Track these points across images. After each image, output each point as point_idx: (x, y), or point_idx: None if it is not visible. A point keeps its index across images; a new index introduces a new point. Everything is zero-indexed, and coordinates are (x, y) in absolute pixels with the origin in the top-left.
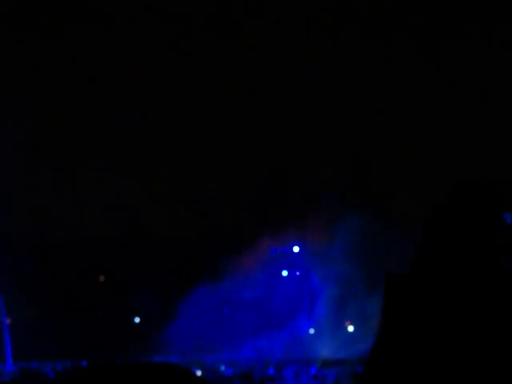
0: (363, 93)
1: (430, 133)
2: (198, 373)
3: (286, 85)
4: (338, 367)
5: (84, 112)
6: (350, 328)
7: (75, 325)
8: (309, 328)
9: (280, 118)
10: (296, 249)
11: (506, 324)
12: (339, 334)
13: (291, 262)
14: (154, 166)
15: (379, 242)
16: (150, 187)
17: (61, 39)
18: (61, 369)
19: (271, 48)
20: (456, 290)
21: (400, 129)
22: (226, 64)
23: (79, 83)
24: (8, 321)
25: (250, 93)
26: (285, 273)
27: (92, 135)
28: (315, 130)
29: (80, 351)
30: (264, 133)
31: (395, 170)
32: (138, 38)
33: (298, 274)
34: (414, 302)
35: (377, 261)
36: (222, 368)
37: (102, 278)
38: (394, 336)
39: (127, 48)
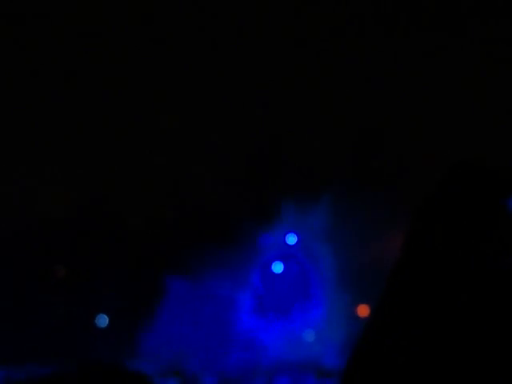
0: (369, 58)
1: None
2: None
3: (281, 45)
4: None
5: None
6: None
7: (30, 325)
8: (307, 331)
9: (273, 83)
10: (292, 238)
11: (502, 328)
12: (343, 339)
13: (286, 253)
14: (124, 138)
15: (386, 227)
16: (119, 164)
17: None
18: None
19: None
20: (447, 287)
21: (409, 97)
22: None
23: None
24: None
25: (236, 52)
26: (278, 267)
27: (51, 104)
28: (313, 99)
29: (38, 355)
30: (254, 98)
31: (404, 146)
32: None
33: (294, 268)
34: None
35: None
36: (204, 378)
37: (62, 272)
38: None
39: None
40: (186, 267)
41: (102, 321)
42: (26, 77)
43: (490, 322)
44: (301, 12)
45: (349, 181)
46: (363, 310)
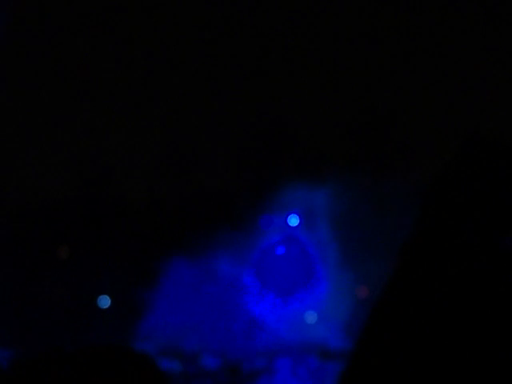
0: (378, 39)
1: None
2: (173, 365)
3: (286, 25)
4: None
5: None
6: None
7: (33, 307)
8: (309, 312)
9: (278, 63)
10: (294, 220)
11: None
12: (348, 320)
13: (288, 236)
14: (129, 118)
15: (393, 209)
16: (123, 144)
17: None
18: (10, 357)
19: None
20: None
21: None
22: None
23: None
24: None
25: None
26: (280, 249)
27: (55, 80)
28: (318, 80)
29: (40, 338)
30: (259, 79)
31: (413, 127)
32: None
33: (296, 249)
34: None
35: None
36: (204, 359)
37: (64, 251)
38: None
39: None
40: (188, 247)
41: (104, 301)
42: (26, 65)
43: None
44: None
45: (352, 163)
46: (362, 292)
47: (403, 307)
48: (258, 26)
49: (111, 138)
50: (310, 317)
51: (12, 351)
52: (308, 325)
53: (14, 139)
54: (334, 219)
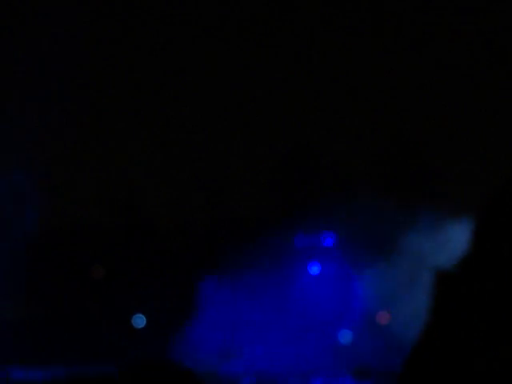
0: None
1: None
2: None
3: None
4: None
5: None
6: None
7: (69, 327)
8: (343, 332)
9: (309, 89)
10: (329, 240)
11: None
12: (384, 340)
13: (322, 255)
14: (160, 147)
15: (425, 237)
16: (155, 171)
17: None
18: (49, 377)
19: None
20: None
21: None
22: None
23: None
24: None
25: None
26: (315, 269)
27: (88, 112)
28: (349, 105)
29: (75, 357)
30: (290, 105)
31: (445, 156)
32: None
33: (332, 271)
34: (465, 303)
35: (424, 258)
36: (243, 378)
37: (99, 273)
38: (439, 338)
39: None
40: (222, 267)
41: (139, 321)
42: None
43: None
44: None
45: (380, 186)
46: (383, 318)
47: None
48: (290, 51)
49: (143, 162)
50: (345, 336)
51: (49, 370)
52: (342, 344)
53: (51, 163)
54: (364, 240)
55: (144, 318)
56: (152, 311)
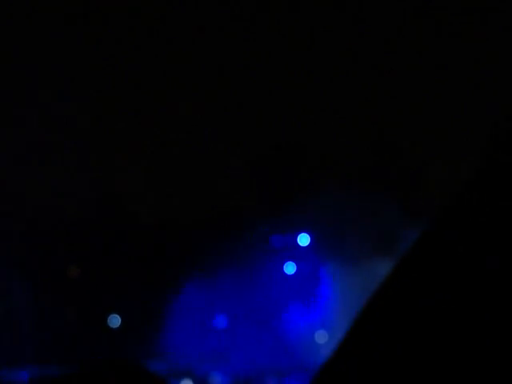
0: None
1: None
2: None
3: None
4: None
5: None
6: None
7: (42, 325)
8: (319, 332)
9: (290, 87)
10: (304, 239)
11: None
12: None
13: (298, 255)
14: (140, 136)
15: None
16: (134, 163)
17: None
18: (25, 377)
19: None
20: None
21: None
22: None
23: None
24: None
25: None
26: (290, 269)
27: (71, 108)
28: (331, 103)
29: (48, 357)
30: (270, 103)
31: (426, 152)
32: None
33: (307, 270)
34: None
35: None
36: (214, 379)
37: (75, 271)
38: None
39: None
40: (199, 266)
41: (115, 321)
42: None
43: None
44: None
45: (361, 182)
46: None
47: (398, 306)
48: (273, 41)
49: (122, 156)
50: (321, 336)
51: (24, 371)
52: (318, 344)
53: (27, 159)
54: (341, 238)
55: (119, 318)
56: (128, 311)
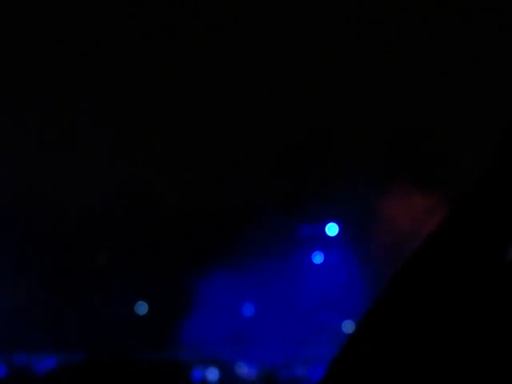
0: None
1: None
2: (212, 372)
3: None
4: None
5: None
6: None
7: (71, 313)
8: (346, 322)
9: (311, 78)
10: (333, 229)
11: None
12: None
13: (327, 245)
14: (161, 131)
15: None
16: (156, 156)
17: None
18: (53, 364)
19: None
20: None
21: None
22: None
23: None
24: None
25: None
26: (319, 258)
27: (91, 96)
28: (352, 93)
29: (77, 344)
30: (295, 93)
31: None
32: None
33: (335, 260)
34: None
35: None
36: (241, 367)
37: (102, 260)
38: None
39: None
40: (227, 255)
41: (142, 308)
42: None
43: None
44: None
45: (385, 173)
46: None
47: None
48: (290, 38)
49: (144, 150)
50: (348, 326)
51: (52, 358)
52: (346, 334)
53: (54, 151)
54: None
55: (146, 306)
56: (154, 299)
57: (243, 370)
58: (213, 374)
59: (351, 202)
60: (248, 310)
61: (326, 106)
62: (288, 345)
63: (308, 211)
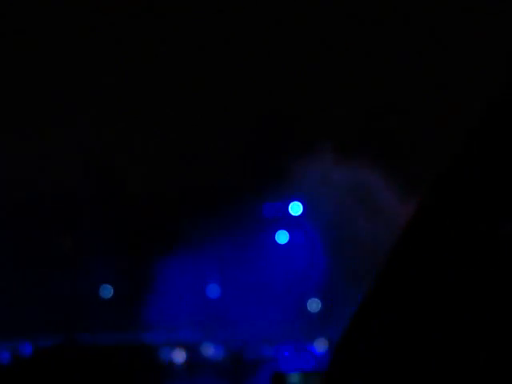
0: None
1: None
2: (179, 354)
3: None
4: None
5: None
6: None
7: (35, 296)
8: (311, 300)
9: (277, 56)
10: (297, 208)
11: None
12: (348, 310)
13: (290, 223)
14: (129, 110)
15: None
16: (124, 136)
17: None
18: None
19: None
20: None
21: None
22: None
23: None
24: None
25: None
26: (283, 238)
27: (59, 75)
28: (318, 73)
29: (45, 327)
30: (263, 72)
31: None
32: None
33: (299, 239)
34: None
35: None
36: (207, 348)
37: (67, 242)
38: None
39: None
40: (191, 236)
41: (107, 291)
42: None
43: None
44: None
45: (352, 153)
46: None
47: (396, 297)
48: (259, 24)
49: (111, 130)
50: (313, 304)
51: (15, 344)
52: (311, 313)
53: (17, 133)
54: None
55: (111, 289)
56: (120, 282)
57: (210, 351)
58: (179, 355)
59: (315, 181)
60: (213, 291)
61: (291, 85)
62: (254, 325)
63: (271, 191)
